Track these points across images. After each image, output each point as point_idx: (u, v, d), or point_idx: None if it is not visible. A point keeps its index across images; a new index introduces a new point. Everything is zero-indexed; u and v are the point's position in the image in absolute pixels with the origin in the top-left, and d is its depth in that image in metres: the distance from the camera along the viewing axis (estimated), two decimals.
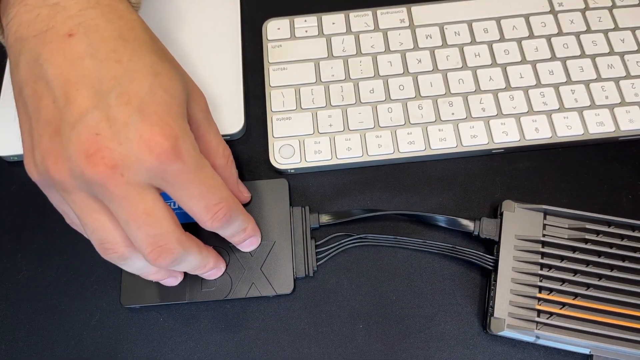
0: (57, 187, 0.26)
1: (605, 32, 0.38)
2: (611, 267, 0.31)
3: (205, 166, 0.27)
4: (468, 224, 0.33)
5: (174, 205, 0.33)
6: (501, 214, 0.33)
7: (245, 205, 0.34)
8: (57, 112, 0.25)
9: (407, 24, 0.39)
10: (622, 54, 0.37)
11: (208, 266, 0.30)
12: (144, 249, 0.26)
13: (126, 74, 0.25)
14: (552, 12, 0.39)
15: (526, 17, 0.39)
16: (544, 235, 0.32)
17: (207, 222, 0.27)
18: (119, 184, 0.24)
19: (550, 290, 0.31)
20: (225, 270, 0.32)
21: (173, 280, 0.31)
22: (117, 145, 0.24)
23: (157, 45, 0.28)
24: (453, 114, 0.36)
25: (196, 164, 0.26)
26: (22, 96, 0.26)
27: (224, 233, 0.30)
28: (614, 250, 0.31)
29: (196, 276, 0.32)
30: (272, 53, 0.39)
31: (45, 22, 0.26)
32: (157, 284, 0.32)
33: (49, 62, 0.25)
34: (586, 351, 0.30)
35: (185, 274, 0.32)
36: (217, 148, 0.30)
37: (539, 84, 0.37)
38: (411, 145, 0.35)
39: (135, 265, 0.28)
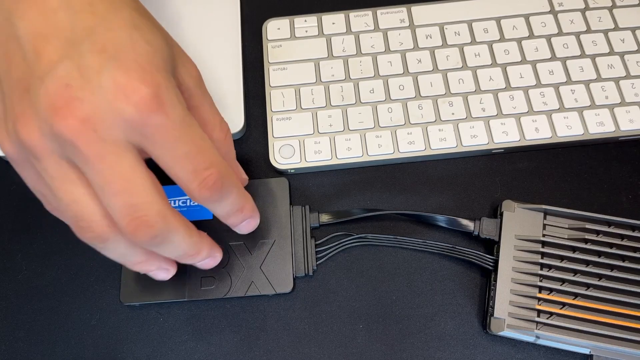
0: (29, 154, 0.23)
1: (605, 32, 0.38)
2: (611, 267, 0.31)
3: (193, 124, 0.23)
4: (468, 224, 0.33)
5: (179, 204, 0.33)
6: (501, 214, 0.33)
7: None
8: (27, 68, 0.22)
9: (407, 24, 0.39)
10: (622, 54, 0.37)
11: (201, 254, 0.27)
12: (120, 221, 0.22)
13: (102, 23, 0.23)
14: (552, 12, 0.39)
15: (526, 17, 0.39)
16: (544, 235, 0.32)
17: (194, 191, 0.24)
18: (91, 140, 0.21)
19: (550, 290, 0.31)
20: (224, 268, 0.32)
21: (164, 274, 0.28)
22: (88, 95, 0.21)
23: (137, 3, 0.25)
24: (453, 114, 0.36)
25: (182, 118, 0.23)
26: None
27: (217, 210, 0.26)
28: (614, 250, 0.31)
29: (195, 274, 0.32)
30: (272, 53, 0.39)
31: None
32: (157, 281, 0.32)
33: (21, 18, 0.23)
34: (586, 351, 0.30)
35: (184, 270, 0.32)
36: (213, 120, 0.27)
37: (539, 84, 0.37)
38: (411, 145, 0.35)
39: (116, 249, 0.24)
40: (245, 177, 0.31)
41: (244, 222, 0.28)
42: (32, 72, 0.22)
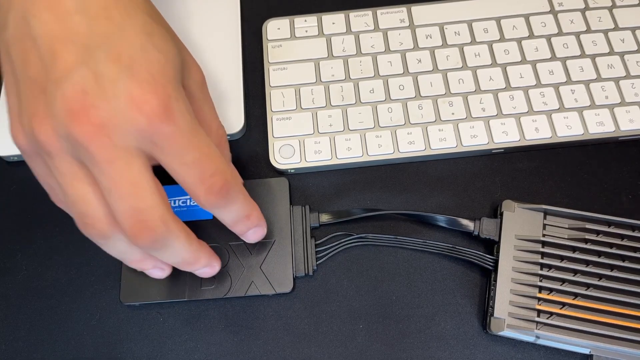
0: (41, 151, 0.24)
1: (605, 32, 0.38)
2: (611, 267, 0.31)
3: (200, 132, 0.25)
4: (468, 223, 0.33)
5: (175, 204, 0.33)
6: (501, 214, 0.33)
7: None
8: (43, 70, 0.23)
9: (407, 23, 0.39)
10: (622, 54, 0.37)
11: (199, 262, 0.28)
12: (124, 223, 0.24)
13: (117, 31, 0.24)
14: (552, 12, 0.39)
15: (526, 17, 0.39)
16: (544, 235, 0.32)
17: (201, 196, 0.25)
18: (104, 145, 0.22)
19: (550, 290, 0.31)
20: (224, 268, 0.32)
21: (159, 272, 0.29)
22: (104, 104, 0.22)
23: (151, 7, 0.27)
24: (453, 114, 0.36)
25: (190, 127, 0.24)
26: (9, 56, 0.25)
27: (224, 216, 0.27)
28: (614, 250, 0.31)
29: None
30: (272, 53, 0.39)
31: None
32: (157, 281, 0.32)
33: (36, 18, 0.23)
34: (586, 351, 0.30)
35: (184, 270, 0.32)
36: (210, 125, 0.29)
37: (539, 84, 0.37)
38: (411, 145, 0.35)
39: (116, 246, 0.26)
40: (240, 180, 0.31)
41: (251, 231, 0.29)
42: (49, 74, 0.23)
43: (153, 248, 0.25)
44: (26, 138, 0.24)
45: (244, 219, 0.28)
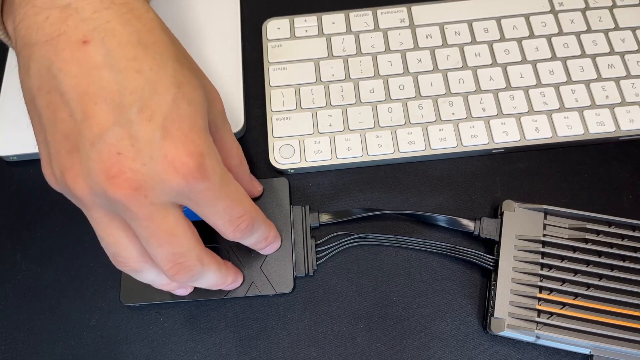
0: (74, 201, 0.25)
1: (606, 32, 0.38)
2: (611, 267, 0.31)
3: (229, 181, 0.26)
4: (468, 223, 0.33)
5: None
6: (501, 214, 0.33)
7: (254, 199, 0.34)
8: (74, 127, 0.23)
9: (407, 23, 0.39)
10: (622, 54, 0.37)
11: (226, 282, 0.30)
12: (163, 266, 0.25)
13: (147, 85, 0.23)
14: (553, 11, 0.39)
15: (526, 16, 0.39)
16: (544, 235, 0.32)
17: (229, 234, 0.27)
18: (142, 205, 0.23)
19: (551, 290, 0.31)
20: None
21: (183, 291, 0.31)
22: (140, 166, 0.23)
23: (178, 49, 0.26)
24: (453, 113, 0.36)
25: (221, 180, 0.25)
26: (34, 106, 0.25)
27: (246, 242, 0.29)
28: (614, 250, 0.31)
29: None
30: (272, 53, 0.39)
31: (56, 26, 0.24)
32: None
33: (63, 72, 0.23)
34: (586, 351, 0.30)
35: None
36: (231, 148, 0.30)
37: (539, 84, 0.37)
38: (411, 145, 0.35)
39: (148, 277, 0.28)
40: (260, 189, 0.34)
41: (268, 247, 0.32)
42: (81, 133, 0.23)
43: (189, 282, 0.27)
44: (58, 185, 0.25)
45: (263, 241, 0.31)
